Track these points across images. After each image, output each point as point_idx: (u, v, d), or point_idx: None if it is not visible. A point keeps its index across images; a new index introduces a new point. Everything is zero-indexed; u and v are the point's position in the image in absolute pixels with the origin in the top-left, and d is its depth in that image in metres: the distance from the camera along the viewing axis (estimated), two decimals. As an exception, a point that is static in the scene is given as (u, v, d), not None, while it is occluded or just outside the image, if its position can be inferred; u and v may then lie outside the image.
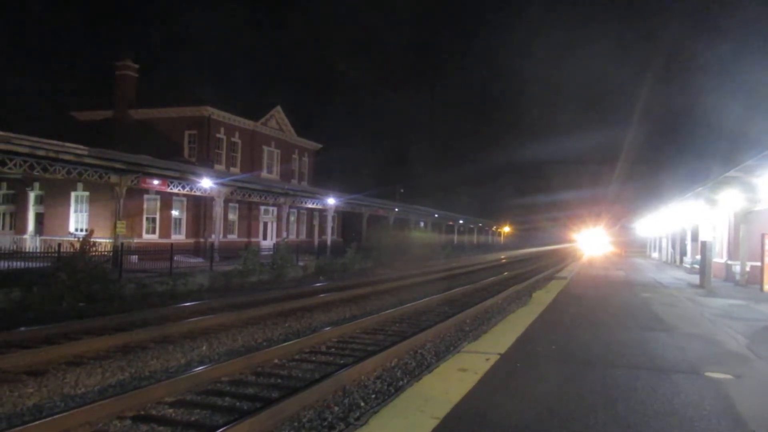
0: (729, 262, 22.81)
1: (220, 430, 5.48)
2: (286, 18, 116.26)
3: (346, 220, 49.19)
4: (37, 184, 28.80)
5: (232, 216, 36.09)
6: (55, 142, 19.05)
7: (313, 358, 9.35)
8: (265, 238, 38.52)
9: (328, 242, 37.61)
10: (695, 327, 10.72)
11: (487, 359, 7.47)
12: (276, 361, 8.94)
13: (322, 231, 42.44)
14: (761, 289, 18.03)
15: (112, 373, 8.30)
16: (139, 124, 35.11)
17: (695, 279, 21.70)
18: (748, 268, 20.58)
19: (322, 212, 41.90)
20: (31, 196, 29.50)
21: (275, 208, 38.55)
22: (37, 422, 5.65)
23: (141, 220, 29.28)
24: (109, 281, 16.49)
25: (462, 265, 37.63)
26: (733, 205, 20.76)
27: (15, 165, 18.41)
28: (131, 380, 8.04)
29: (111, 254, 19.73)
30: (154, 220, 30.11)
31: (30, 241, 27.86)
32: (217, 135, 35.60)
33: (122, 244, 20.65)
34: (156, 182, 24.61)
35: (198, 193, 27.83)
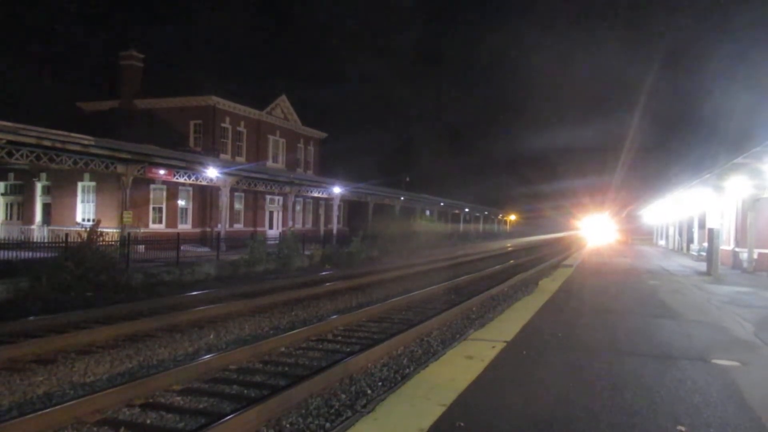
0: (736, 249, 22.70)
1: (228, 417, 5.51)
2: (291, 7, 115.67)
3: (352, 209, 49.20)
4: (44, 175, 28.93)
5: (238, 205, 36.18)
6: (61, 132, 19.10)
7: (320, 346, 9.38)
8: (271, 227, 38.62)
9: (334, 231, 37.65)
10: (702, 314, 10.69)
11: (494, 347, 7.48)
12: (283, 349, 8.99)
13: (328, 220, 42.49)
14: (769, 276, 17.96)
15: (120, 361, 8.37)
16: (144, 114, 35.13)
17: (702, 266, 21.61)
18: (755, 256, 20.49)
19: (327, 201, 41.92)
20: (38, 186, 29.65)
21: (281, 198, 38.61)
22: (47, 410, 5.71)
23: (147, 210, 29.40)
24: (116, 271, 16.58)
25: (468, 253, 37.63)
26: (741, 192, 20.64)
27: (22, 155, 18.48)
28: (139, 368, 8.10)
29: (118, 244, 19.82)
30: (160, 209, 30.23)
31: (38, 231, 28.04)
32: (223, 124, 35.60)
33: (129, 233, 20.72)
34: (162, 172, 24.65)
35: (204, 183, 27.88)
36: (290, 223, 34.06)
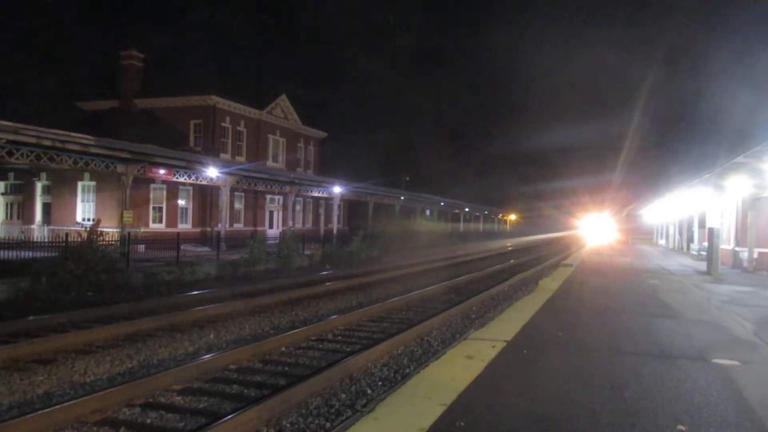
0: (736, 248, 22.69)
1: (228, 417, 5.52)
2: (291, 7, 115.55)
3: (352, 208, 49.20)
4: (44, 174, 28.93)
5: (238, 205, 36.19)
6: (61, 132, 19.11)
7: (320, 346, 9.39)
8: (271, 227, 38.62)
9: (334, 231, 37.64)
10: (702, 313, 10.69)
11: (494, 346, 7.47)
12: (283, 349, 8.99)
13: (328, 219, 42.50)
14: (769, 275, 17.95)
15: (120, 361, 8.37)
16: (144, 114, 35.14)
17: (702, 266, 21.60)
18: (755, 255, 20.48)
19: (328, 201, 41.93)
20: (39, 186, 29.64)
21: (281, 197, 38.61)
22: (47, 409, 5.71)
23: (147, 210, 29.40)
24: (116, 270, 16.57)
25: (468, 252, 37.62)
26: (741, 192, 20.63)
27: (22, 155, 18.48)
28: (140, 368, 8.10)
29: (118, 243, 19.82)
30: (160, 209, 30.22)
31: (38, 230, 28.04)
32: (223, 124, 35.59)
33: (129, 233, 20.73)
34: (162, 171, 24.65)
35: (204, 183, 27.89)
36: (290, 223, 34.05)
